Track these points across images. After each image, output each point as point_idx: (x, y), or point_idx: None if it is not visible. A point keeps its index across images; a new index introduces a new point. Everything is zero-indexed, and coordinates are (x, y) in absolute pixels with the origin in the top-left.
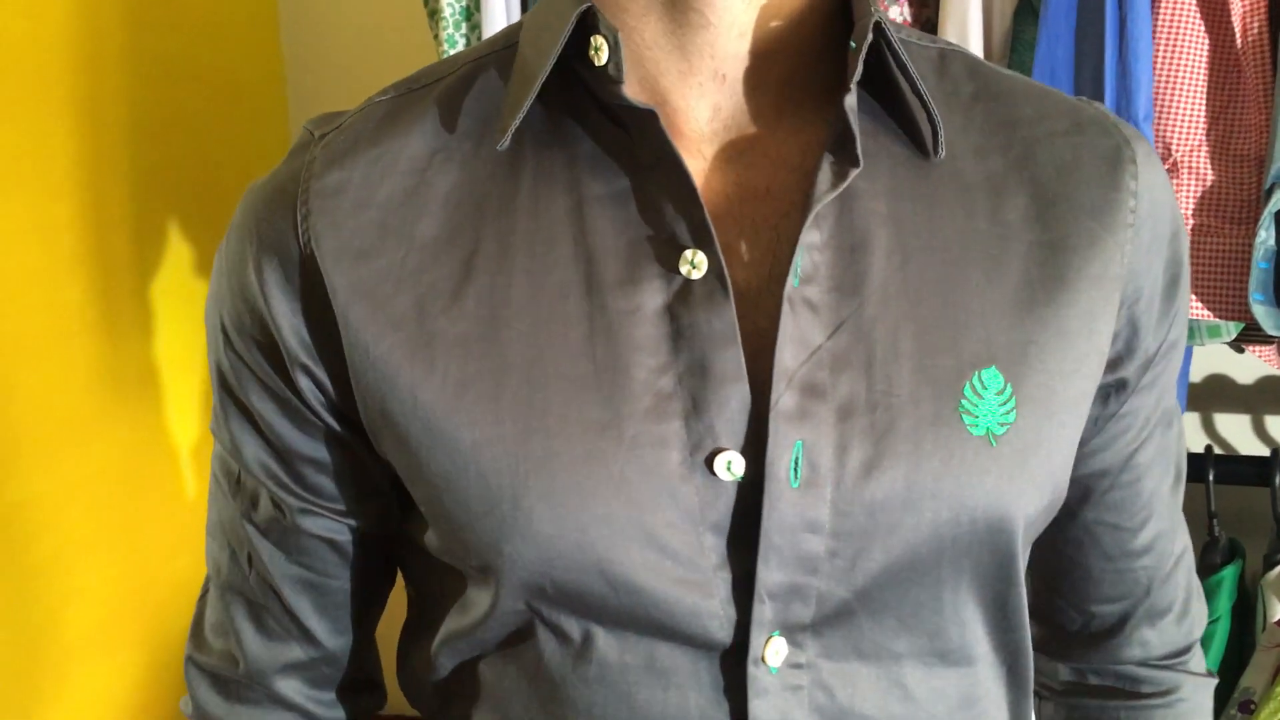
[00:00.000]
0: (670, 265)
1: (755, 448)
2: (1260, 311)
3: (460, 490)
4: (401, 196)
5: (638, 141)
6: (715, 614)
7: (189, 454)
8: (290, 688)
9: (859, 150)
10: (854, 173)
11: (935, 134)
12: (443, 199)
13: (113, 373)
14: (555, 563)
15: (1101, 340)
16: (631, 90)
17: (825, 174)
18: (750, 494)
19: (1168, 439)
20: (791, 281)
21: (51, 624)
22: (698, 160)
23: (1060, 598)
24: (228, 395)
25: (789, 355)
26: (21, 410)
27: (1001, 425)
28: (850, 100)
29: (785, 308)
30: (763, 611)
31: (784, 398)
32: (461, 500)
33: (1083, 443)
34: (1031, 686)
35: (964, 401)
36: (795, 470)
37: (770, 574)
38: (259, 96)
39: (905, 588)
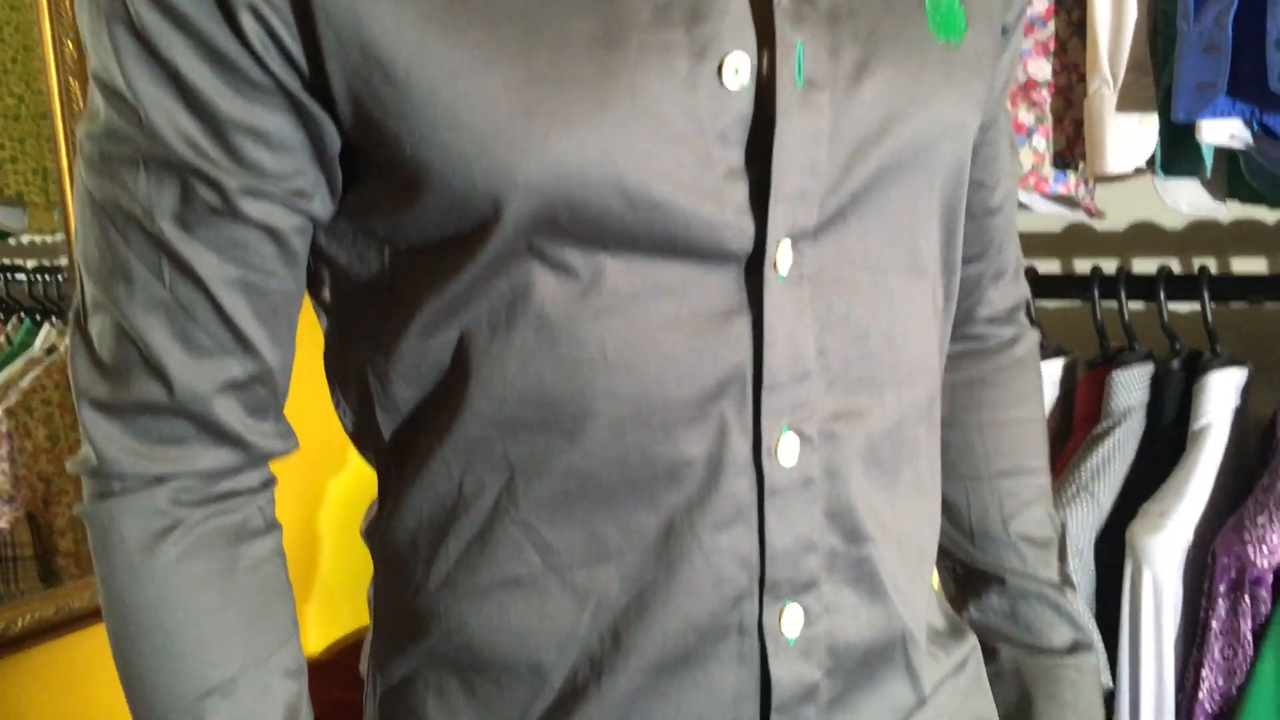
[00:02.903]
0: None
1: (759, 52)
2: None
3: (461, 119)
4: None
5: None
6: (729, 224)
7: None
8: (227, 411)
9: None
10: None
11: None
12: None
13: None
14: (572, 181)
15: None
16: None
17: None
18: (753, 103)
19: (1006, 107)
20: None
21: None
22: None
23: None
24: (142, 65)
25: None
26: None
27: (958, 33)
28: None
29: None
30: (776, 215)
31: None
32: (462, 130)
33: None
34: (951, 319)
35: (927, 4)
36: (799, 72)
37: (784, 179)
38: None
39: (889, 194)
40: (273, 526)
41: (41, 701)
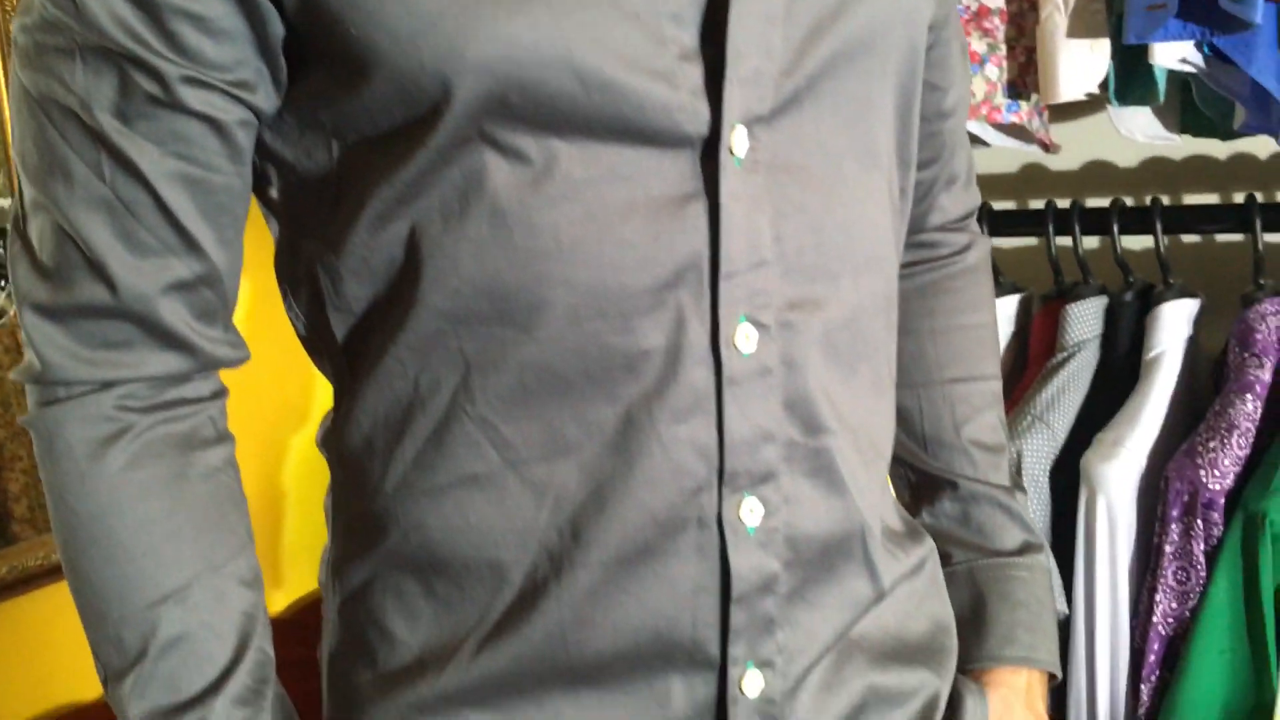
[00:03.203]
0: None
1: None
2: None
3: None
4: None
5: None
6: (683, 106)
7: None
8: (173, 313)
9: None
10: None
11: None
12: None
13: None
14: (522, 60)
15: None
16: None
17: None
18: None
19: (956, 11)
20: None
21: None
22: None
23: None
24: None
25: None
26: None
27: None
28: None
29: None
30: (731, 98)
31: None
32: (410, 7)
33: None
34: (907, 216)
35: None
36: None
37: (739, 60)
38: None
39: (843, 80)
40: (224, 437)
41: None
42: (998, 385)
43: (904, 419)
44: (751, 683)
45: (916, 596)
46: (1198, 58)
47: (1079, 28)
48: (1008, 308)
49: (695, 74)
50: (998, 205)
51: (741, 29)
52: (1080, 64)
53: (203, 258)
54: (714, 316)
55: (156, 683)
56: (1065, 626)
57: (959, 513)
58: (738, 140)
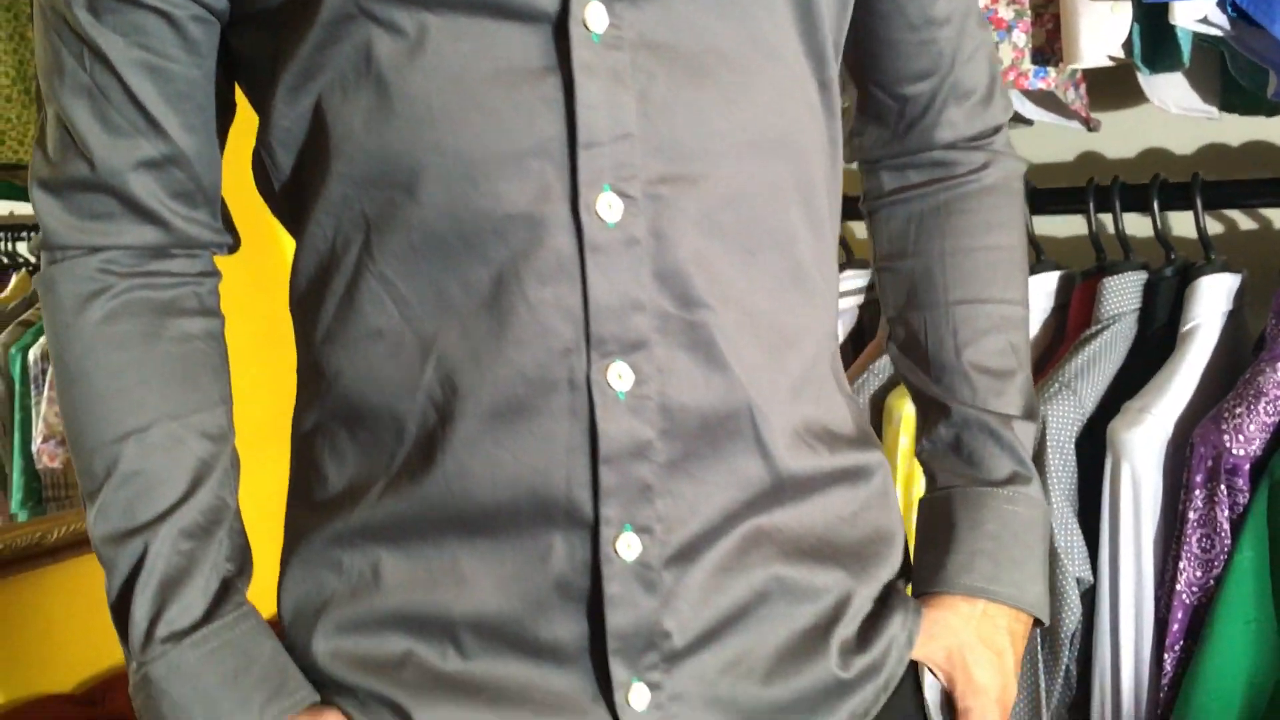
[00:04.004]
0: None
1: None
2: None
3: None
4: None
5: None
6: None
7: None
8: (144, 188)
9: None
10: None
11: None
12: None
13: None
14: None
15: None
16: None
17: None
18: None
19: None
20: None
21: None
22: None
23: (876, 88)
24: None
25: None
26: None
27: None
28: None
29: None
30: None
31: None
32: None
33: None
34: (834, 88)
35: None
36: None
37: None
38: None
39: None
40: (209, 312)
41: (76, 607)
42: (1013, 309)
43: (911, 342)
44: (626, 545)
45: (855, 504)
46: (1221, 19)
47: None
48: (1048, 284)
49: None
50: (1041, 185)
51: None
52: (1101, 26)
53: (167, 139)
54: (573, 184)
55: (115, 509)
56: (1090, 595)
57: (952, 438)
58: (593, 16)
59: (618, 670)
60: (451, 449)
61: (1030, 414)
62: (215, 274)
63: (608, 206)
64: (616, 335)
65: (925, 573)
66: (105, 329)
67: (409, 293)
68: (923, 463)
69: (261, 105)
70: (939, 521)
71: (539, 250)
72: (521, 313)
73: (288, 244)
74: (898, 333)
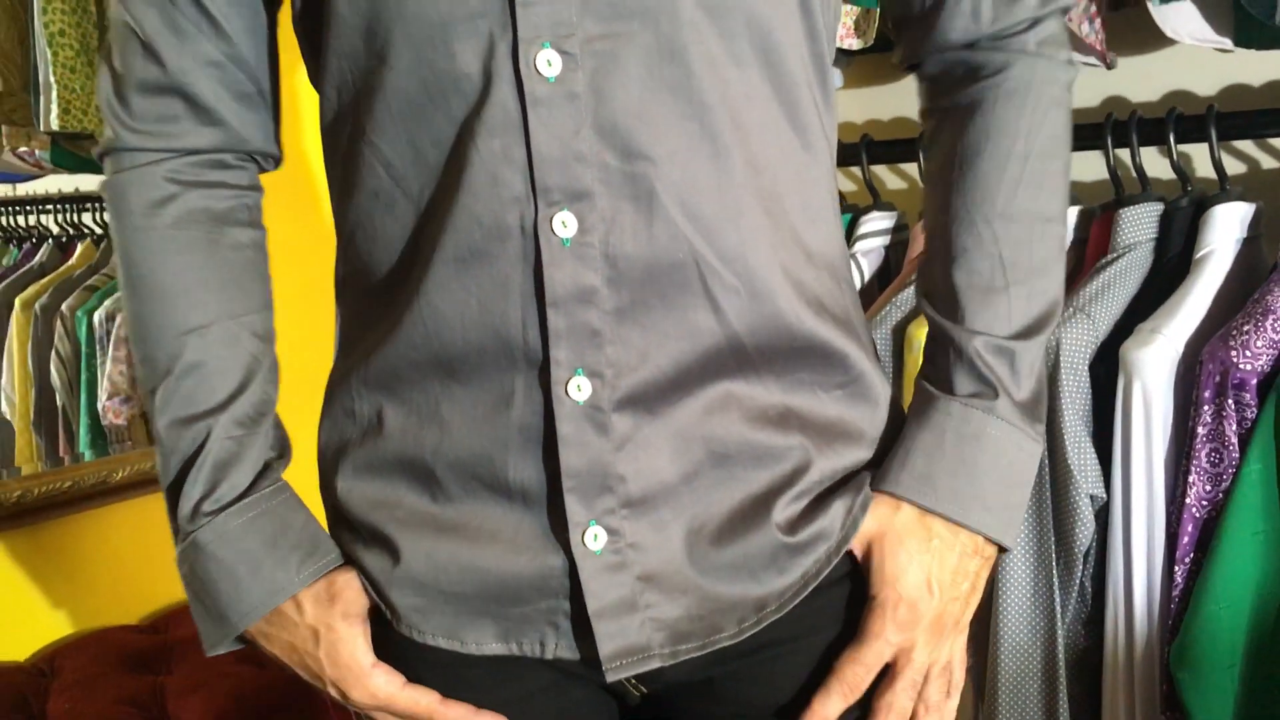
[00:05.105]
0: None
1: None
2: None
3: None
4: None
5: None
6: None
7: None
8: (209, 88)
9: None
10: None
11: None
12: None
13: None
14: None
15: None
16: None
17: None
18: None
19: None
20: None
21: None
22: None
23: None
24: None
25: None
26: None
27: None
28: None
29: None
30: None
31: None
32: None
33: None
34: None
35: None
36: None
37: None
38: None
39: None
40: (256, 224)
41: (140, 543)
42: (1022, 225)
43: (924, 259)
44: (577, 388)
45: (830, 388)
46: None
47: None
48: (1068, 219)
49: None
50: None
51: None
52: None
53: (229, 41)
54: (514, 41)
55: (177, 398)
56: (1104, 511)
57: (930, 352)
58: None
59: (574, 510)
60: (425, 293)
61: (1025, 334)
62: (260, 189)
63: (546, 63)
64: (560, 185)
65: (875, 475)
66: (173, 233)
67: (391, 155)
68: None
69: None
70: (899, 422)
71: (487, 105)
72: (475, 164)
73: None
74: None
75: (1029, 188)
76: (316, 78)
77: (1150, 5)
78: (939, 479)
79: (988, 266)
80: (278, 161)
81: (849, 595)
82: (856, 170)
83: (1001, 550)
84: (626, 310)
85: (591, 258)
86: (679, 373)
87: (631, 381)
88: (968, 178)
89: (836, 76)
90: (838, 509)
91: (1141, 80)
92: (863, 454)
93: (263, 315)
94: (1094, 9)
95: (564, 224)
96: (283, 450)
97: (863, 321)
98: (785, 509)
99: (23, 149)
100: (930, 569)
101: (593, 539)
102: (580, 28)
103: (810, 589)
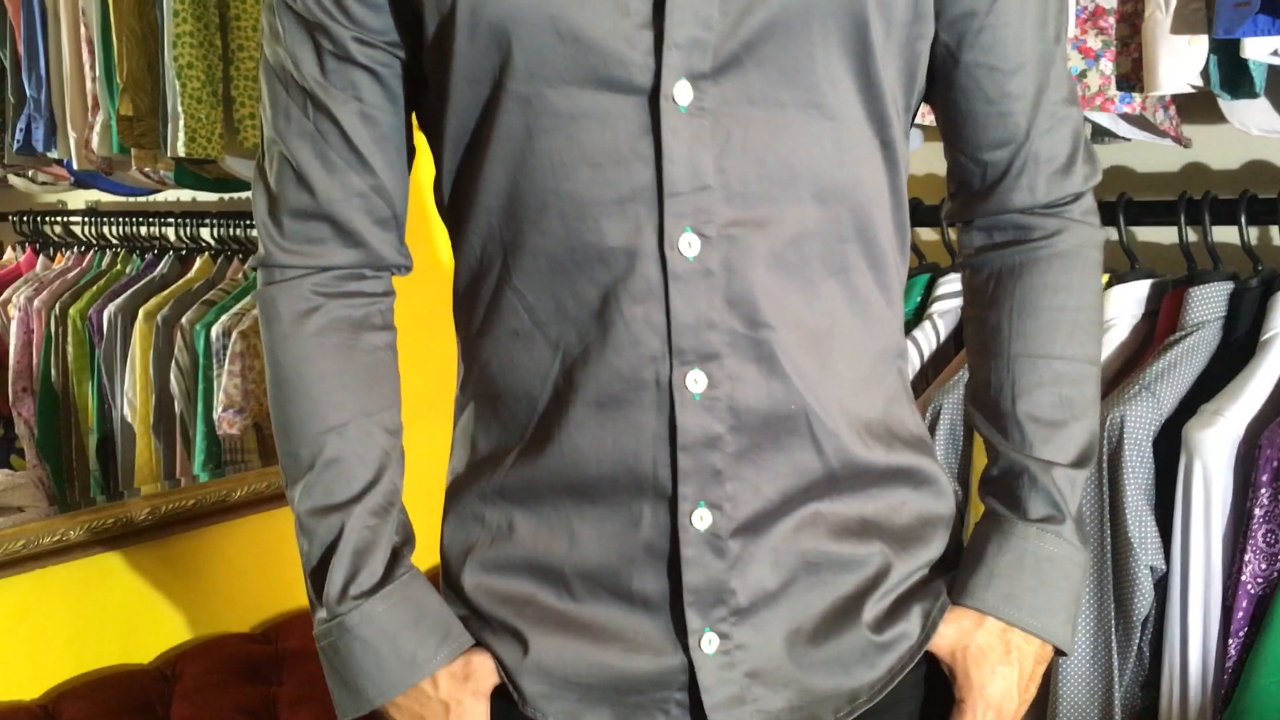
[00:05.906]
0: None
1: None
2: None
3: None
4: None
5: None
6: (637, 63)
7: None
8: (354, 215)
9: None
10: None
11: None
12: None
13: None
14: (518, 20)
15: None
16: None
17: None
18: None
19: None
20: None
21: None
22: None
23: (960, 154)
24: None
25: None
26: None
27: None
28: None
29: None
30: (670, 59)
31: None
32: None
33: None
34: (897, 146)
35: None
36: None
37: (675, 29)
38: None
39: (783, 43)
40: (388, 327)
41: (253, 557)
42: (1071, 365)
43: (979, 388)
44: (700, 518)
45: (905, 498)
46: None
47: (1179, 25)
48: (1140, 291)
49: (648, 39)
50: (1138, 197)
51: (677, 7)
52: (1179, 57)
53: (374, 175)
54: (660, 225)
55: (318, 489)
56: (1162, 584)
57: (999, 477)
58: (680, 91)
59: (692, 619)
60: (567, 429)
61: (1081, 462)
62: (393, 293)
63: (688, 244)
64: (694, 348)
65: (955, 587)
66: (316, 341)
67: (536, 303)
68: (980, 498)
69: (435, 152)
70: (975, 546)
71: (632, 276)
72: (619, 325)
73: (441, 266)
74: (971, 380)
75: (1080, 335)
76: (457, 226)
77: (1220, 101)
78: (1022, 597)
79: (1052, 402)
80: (408, 269)
81: (925, 673)
82: (934, 232)
83: (1059, 654)
84: (745, 452)
85: (718, 410)
86: (783, 502)
87: (745, 512)
88: (1029, 324)
89: (914, 138)
90: (917, 612)
91: (1214, 154)
92: (934, 553)
93: (392, 412)
94: (1168, 98)
95: (695, 380)
96: (407, 536)
97: (923, 429)
98: (873, 608)
99: (148, 169)
100: (1011, 679)
101: (708, 643)
102: (718, 215)
103: (896, 681)
